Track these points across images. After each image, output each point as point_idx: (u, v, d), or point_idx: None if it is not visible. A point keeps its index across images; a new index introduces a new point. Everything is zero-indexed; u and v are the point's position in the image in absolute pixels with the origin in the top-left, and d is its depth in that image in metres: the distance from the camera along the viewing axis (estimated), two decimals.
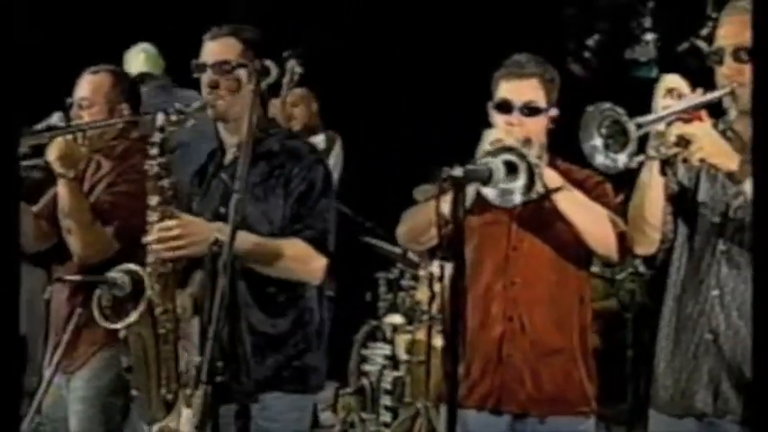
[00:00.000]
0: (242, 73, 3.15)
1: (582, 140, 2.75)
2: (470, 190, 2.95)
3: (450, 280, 2.71)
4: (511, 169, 2.88)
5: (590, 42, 5.98)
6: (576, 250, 3.13)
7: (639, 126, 2.69)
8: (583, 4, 6.04)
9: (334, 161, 5.87)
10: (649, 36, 5.66)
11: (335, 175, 5.83)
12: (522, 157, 2.88)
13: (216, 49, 3.18)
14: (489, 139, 2.99)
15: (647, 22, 5.67)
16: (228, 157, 3.25)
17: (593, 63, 6.01)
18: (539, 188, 2.93)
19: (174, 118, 3.05)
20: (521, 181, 2.88)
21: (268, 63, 3.02)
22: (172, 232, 3.01)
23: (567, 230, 3.08)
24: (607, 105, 2.72)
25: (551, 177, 3.03)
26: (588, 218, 3.05)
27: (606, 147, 2.73)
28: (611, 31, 5.94)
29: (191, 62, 3.21)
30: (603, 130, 2.73)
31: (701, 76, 2.91)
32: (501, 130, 3.08)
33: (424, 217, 3.08)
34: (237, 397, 3.08)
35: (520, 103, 3.11)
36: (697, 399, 2.91)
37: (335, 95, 6.29)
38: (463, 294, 2.82)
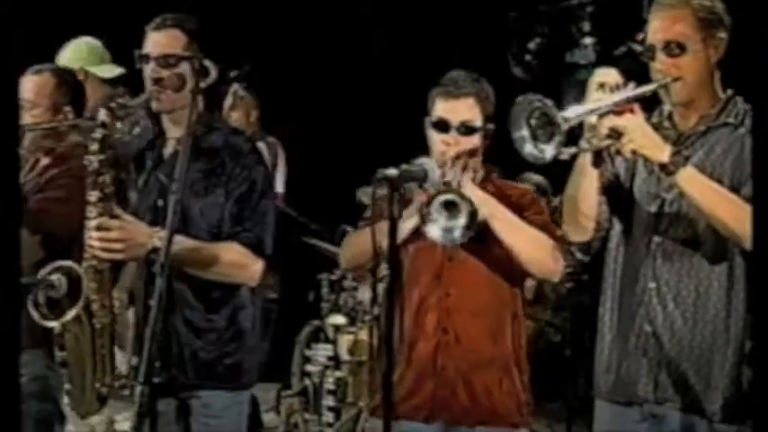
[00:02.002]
0: (186, 67, 3.13)
1: (511, 131, 2.80)
2: (406, 225, 3.01)
3: (384, 290, 2.75)
4: (450, 207, 2.95)
5: (531, 46, 6.05)
6: (510, 265, 3.16)
7: (567, 119, 2.74)
8: (524, 8, 6.11)
9: (279, 170, 5.85)
10: (588, 40, 5.74)
11: (280, 183, 5.83)
12: (462, 197, 2.94)
13: (160, 40, 3.16)
14: (422, 164, 3.02)
15: (587, 27, 5.75)
16: (168, 149, 3.23)
17: (534, 66, 6.08)
18: (477, 223, 2.97)
19: (117, 113, 3.04)
20: (461, 220, 2.95)
21: (207, 63, 3.02)
22: (111, 234, 3.00)
23: (502, 245, 3.12)
24: (536, 96, 2.77)
25: (483, 201, 3.05)
26: (525, 242, 3.10)
27: (534, 137, 2.78)
28: (552, 35, 6.01)
29: (133, 52, 3.18)
30: (533, 122, 2.78)
31: (638, 78, 2.96)
32: (437, 156, 3.12)
33: (362, 246, 3.10)
34: (174, 392, 3.09)
35: (456, 123, 3.15)
36: (638, 387, 2.98)
37: (279, 96, 6.29)
38: (399, 304, 2.87)
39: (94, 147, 3.03)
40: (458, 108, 3.15)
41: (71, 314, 3.01)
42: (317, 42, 6.51)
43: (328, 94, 6.61)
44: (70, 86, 3.76)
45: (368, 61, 6.43)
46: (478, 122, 3.17)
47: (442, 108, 3.17)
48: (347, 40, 6.47)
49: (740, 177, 2.89)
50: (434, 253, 3.18)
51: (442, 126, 3.16)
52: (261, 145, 5.82)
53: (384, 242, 2.82)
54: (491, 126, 3.21)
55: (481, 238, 3.10)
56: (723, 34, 2.95)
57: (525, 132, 2.78)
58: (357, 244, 3.22)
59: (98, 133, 3.03)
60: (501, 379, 3.17)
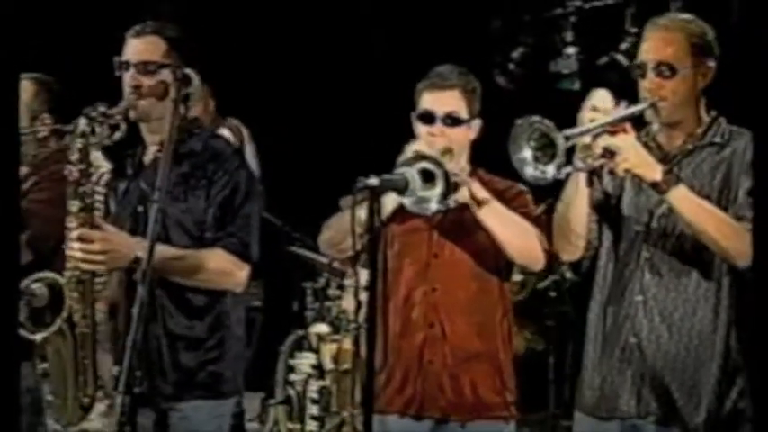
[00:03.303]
0: (166, 74, 3.12)
1: (511, 153, 2.82)
2: (389, 200, 3.00)
3: (367, 288, 2.75)
4: (428, 178, 2.93)
5: (515, 55, 6.07)
6: (496, 259, 3.18)
7: (567, 138, 2.77)
8: (508, 18, 6.13)
9: (246, 150, 5.79)
10: (571, 50, 5.77)
11: (254, 167, 5.77)
12: (439, 165, 2.93)
13: (140, 47, 3.14)
14: (410, 150, 3.04)
15: (570, 37, 5.78)
16: (149, 156, 3.21)
17: (517, 75, 6.10)
18: (457, 197, 2.98)
19: (97, 123, 3.01)
20: (438, 189, 2.93)
21: (189, 71, 3.00)
22: (93, 246, 2.98)
23: (488, 239, 3.13)
24: (536, 118, 2.80)
25: (478, 190, 3.08)
26: (510, 230, 3.11)
27: (535, 159, 2.81)
28: (536, 45, 6.04)
29: (113, 59, 3.16)
30: (533, 143, 2.81)
31: (620, 87, 3.01)
32: (422, 141, 3.14)
33: (342, 225, 3.12)
34: (154, 401, 3.08)
35: (442, 114, 3.16)
36: (621, 401, 3.00)
37: (265, 108, 6.29)
38: (384, 301, 2.87)
39: (74, 156, 3.01)
40: (443, 99, 3.17)
41: (53, 327, 2.99)
42: (316, 42, 6.50)
43: (321, 101, 6.60)
44: (50, 94, 3.74)
45: (357, 72, 6.42)
46: (464, 114, 3.18)
47: (427, 100, 3.19)
48: (340, 51, 6.47)
49: (728, 196, 2.94)
50: (420, 249, 3.19)
51: (428, 117, 3.18)
52: (224, 131, 5.79)
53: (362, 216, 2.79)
54: (478, 120, 3.22)
55: (467, 231, 3.12)
56: (712, 63, 3.02)
57: (527, 154, 2.81)
58: (337, 224, 3.21)
59: (77, 143, 3.01)
60: (488, 374, 3.19)
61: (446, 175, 2.92)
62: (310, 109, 6.68)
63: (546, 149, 2.79)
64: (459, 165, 3.14)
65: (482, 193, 3.09)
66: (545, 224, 3.18)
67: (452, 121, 3.16)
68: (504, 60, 6.16)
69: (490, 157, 3.20)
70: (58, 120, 3.68)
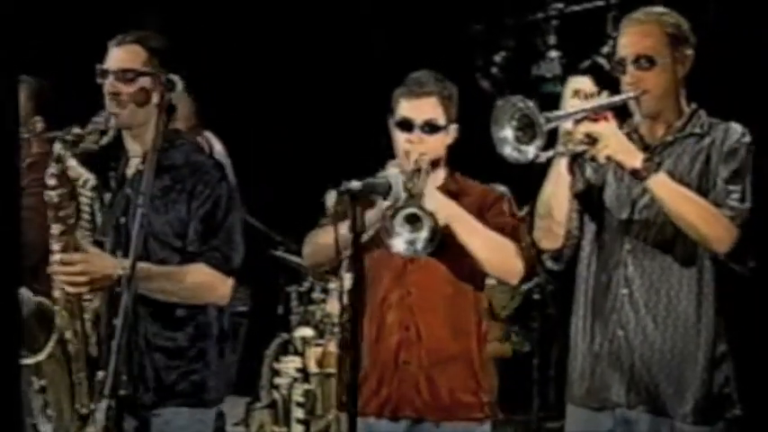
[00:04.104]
0: (146, 82, 3.12)
1: (493, 132, 2.85)
2: (372, 217, 3.03)
3: (348, 292, 2.77)
4: (413, 220, 2.98)
5: (497, 59, 6.09)
6: (471, 265, 3.19)
7: (548, 120, 2.79)
8: (490, 21, 6.15)
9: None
10: (554, 53, 5.79)
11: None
12: (426, 213, 2.96)
13: (120, 55, 3.15)
14: (391, 170, 3.08)
15: (552, 40, 5.80)
16: (131, 169, 3.21)
17: (500, 79, 6.12)
18: (439, 236, 2.99)
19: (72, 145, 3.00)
20: (424, 233, 2.97)
21: (172, 77, 3.01)
22: (75, 268, 3.00)
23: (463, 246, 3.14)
24: (518, 98, 2.83)
25: (444, 205, 3.08)
26: (485, 247, 3.13)
27: (516, 139, 2.83)
28: (518, 48, 6.06)
29: (95, 67, 3.16)
30: (514, 123, 2.83)
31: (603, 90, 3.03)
32: (402, 153, 3.16)
33: (325, 240, 3.14)
34: (137, 410, 3.08)
35: (420, 122, 3.18)
36: (611, 392, 3.03)
37: (247, 113, 6.30)
38: (361, 306, 2.89)
39: (52, 182, 3.02)
40: (421, 107, 3.19)
41: (46, 350, 3.02)
42: (316, 42, 6.51)
43: (306, 105, 6.60)
44: (41, 97, 3.73)
45: (339, 76, 6.43)
46: (442, 121, 3.20)
47: (405, 107, 3.20)
48: (321, 54, 6.47)
49: (706, 185, 2.98)
50: (396, 255, 3.19)
51: (406, 125, 3.19)
52: (201, 140, 5.77)
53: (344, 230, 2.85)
54: (455, 125, 3.24)
55: (442, 240, 3.14)
56: (690, 51, 3.06)
57: (508, 133, 2.84)
58: (317, 242, 3.23)
59: (54, 168, 3.01)
60: (463, 376, 3.21)
61: (432, 219, 2.95)
62: (298, 113, 6.68)
63: (527, 130, 2.81)
64: (438, 174, 3.19)
65: (452, 210, 3.09)
66: (528, 226, 3.20)
67: (431, 128, 3.18)
68: (487, 64, 6.17)
69: (473, 160, 3.22)
70: (48, 123, 3.66)
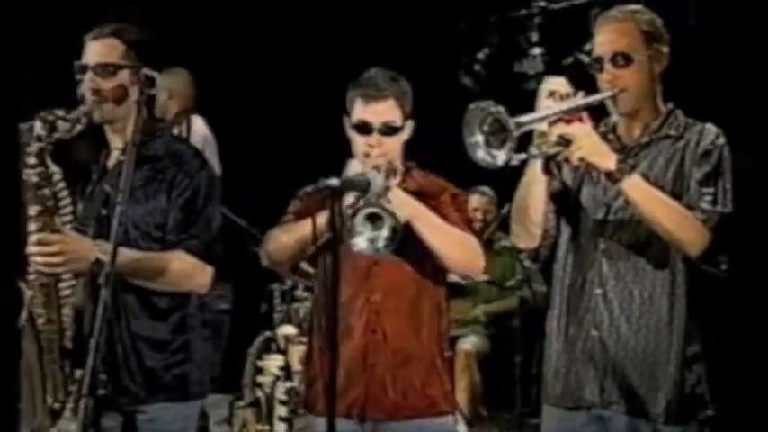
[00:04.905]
0: (124, 76, 3.11)
1: (464, 137, 2.84)
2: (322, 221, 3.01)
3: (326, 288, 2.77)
4: (374, 218, 2.98)
5: (480, 56, 6.09)
6: (434, 264, 3.20)
7: (519, 125, 2.78)
8: (474, 19, 6.15)
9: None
10: (537, 50, 5.80)
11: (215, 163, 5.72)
12: (387, 212, 2.96)
13: (97, 49, 3.13)
14: (352, 167, 3.08)
15: (535, 37, 5.81)
16: (112, 161, 3.20)
17: (483, 76, 6.12)
18: (401, 235, 2.99)
19: (53, 125, 2.98)
20: (385, 231, 2.98)
21: (150, 72, 2.99)
22: (51, 248, 2.97)
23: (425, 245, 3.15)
24: (488, 103, 2.82)
25: (406, 203, 3.09)
26: (446, 242, 3.13)
27: (487, 143, 2.83)
28: (501, 45, 6.06)
29: (73, 63, 3.14)
30: (485, 128, 2.83)
31: (584, 88, 3.02)
32: (361, 154, 3.16)
33: (291, 237, 3.15)
34: (120, 403, 3.07)
35: (378, 125, 3.18)
36: (586, 391, 3.04)
37: (246, 113, 6.28)
38: (326, 308, 2.89)
39: (32, 161, 2.98)
40: (378, 110, 3.19)
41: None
42: (316, 43, 6.50)
43: (287, 104, 6.59)
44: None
45: (320, 75, 6.42)
46: (399, 122, 3.21)
47: (362, 110, 3.20)
48: (306, 53, 6.47)
49: (681, 188, 2.98)
50: (361, 257, 3.18)
51: (364, 128, 3.19)
52: (198, 121, 5.74)
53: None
54: (410, 121, 3.25)
55: (405, 238, 3.13)
56: (665, 48, 3.07)
57: (479, 138, 2.83)
58: (282, 240, 3.23)
59: (34, 147, 2.98)
60: (426, 371, 3.22)
61: (393, 219, 2.96)
62: (279, 110, 6.67)
63: (498, 135, 2.81)
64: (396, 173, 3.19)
65: (412, 207, 3.10)
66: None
67: (389, 130, 3.19)
68: (470, 61, 6.18)
69: (452, 158, 3.21)
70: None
